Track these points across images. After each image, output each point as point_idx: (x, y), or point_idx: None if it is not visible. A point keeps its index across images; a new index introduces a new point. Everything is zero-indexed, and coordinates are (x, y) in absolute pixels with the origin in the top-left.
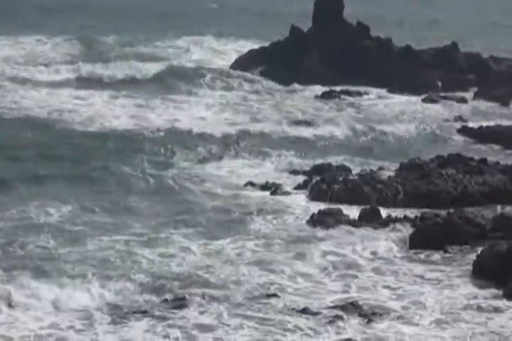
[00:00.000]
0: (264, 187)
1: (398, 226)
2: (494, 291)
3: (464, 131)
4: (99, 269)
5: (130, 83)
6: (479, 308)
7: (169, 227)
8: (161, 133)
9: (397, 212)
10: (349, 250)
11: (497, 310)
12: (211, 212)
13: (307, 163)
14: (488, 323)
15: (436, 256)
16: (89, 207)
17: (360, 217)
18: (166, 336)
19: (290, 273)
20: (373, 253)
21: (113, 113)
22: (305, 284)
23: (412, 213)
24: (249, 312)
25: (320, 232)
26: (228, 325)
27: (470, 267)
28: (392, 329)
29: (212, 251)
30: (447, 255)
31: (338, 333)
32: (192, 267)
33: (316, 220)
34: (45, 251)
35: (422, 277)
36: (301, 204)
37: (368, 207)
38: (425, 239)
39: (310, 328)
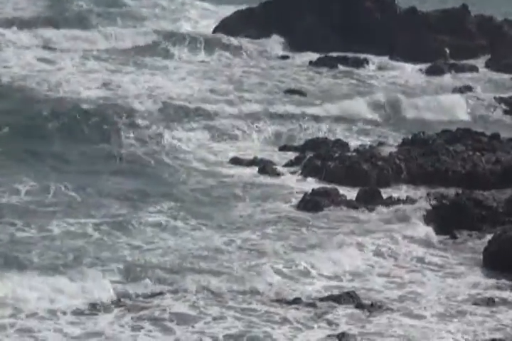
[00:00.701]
0: (252, 163)
1: (400, 207)
2: (506, 282)
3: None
4: (68, 257)
5: (103, 45)
6: (489, 300)
7: (144, 209)
8: (137, 103)
9: (400, 193)
10: (345, 234)
11: (508, 302)
12: (192, 191)
13: (300, 138)
14: (497, 316)
15: (442, 241)
16: (53, 186)
17: (358, 197)
18: (138, 328)
19: (278, 260)
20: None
21: (83, 78)
22: (295, 273)
23: (415, 194)
24: (231, 303)
25: (313, 215)
26: (209, 315)
27: (479, 255)
28: (393, 322)
29: (193, 237)
30: (454, 240)
31: (331, 326)
32: (170, 254)
33: (309, 201)
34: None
35: (423, 263)
36: (292, 183)
37: (367, 187)
38: (431, 220)
39: (300, 321)
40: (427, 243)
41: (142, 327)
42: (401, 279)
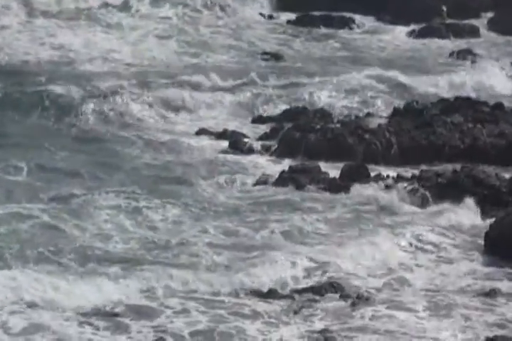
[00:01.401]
0: (221, 136)
1: (390, 186)
2: (509, 270)
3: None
4: (12, 247)
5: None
6: (491, 291)
7: (100, 190)
8: (90, 69)
9: (390, 170)
10: (325, 216)
11: (510, 294)
12: (154, 168)
13: (276, 107)
14: (498, 310)
15: (439, 223)
16: None
17: (342, 175)
18: (86, 324)
19: (247, 246)
20: None
21: (30, 39)
22: (272, 264)
23: (407, 171)
24: (197, 295)
25: (291, 195)
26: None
27: (480, 239)
28: (380, 316)
29: (156, 221)
30: (451, 223)
31: (311, 321)
32: (125, 244)
33: (287, 179)
34: None
35: (415, 248)
36: (266, 159)
37: (353, 163)
38: (424, 202)
39: (274, 315)
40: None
41: (90, 323)
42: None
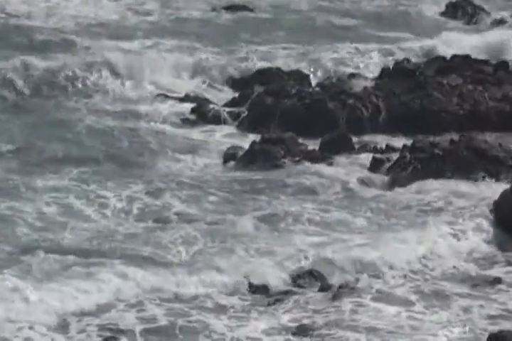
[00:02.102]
0: (183, 101)
1: (376, 158)
2: None
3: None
4: None
5: None
6: (494, 280)
7: (42, 172)
8: (32, 25)
9: (377, 140)
10: (304, 198)
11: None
12: (102, 142)
13: (246, 68)
14: (500, 300)
15: (434, 201)
16: None
17: (322, 147)
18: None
19: (218, 234)
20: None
21: None
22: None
23: (398, 142)
24: (157, 289)
25: (264, 172)
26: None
27: (481, 219)
28: (365, 309)
29: (108, 208)
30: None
31: (285, 315)
32: (81, 233)
33: (258, 152)
34: None
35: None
36: (235, 129)
37: (335, 132)
38: (416, 177)
39: (243, 309)
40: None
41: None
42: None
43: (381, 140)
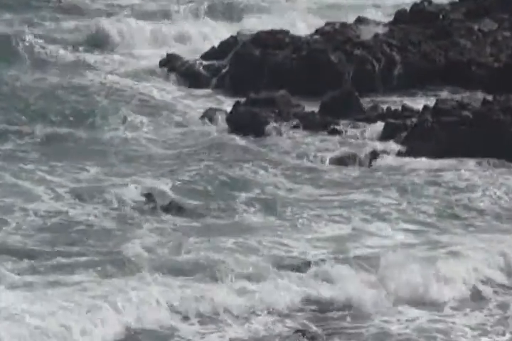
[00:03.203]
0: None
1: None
2: None
3: None
4: None
5: None
6: None
7: None
8: None
9: (391, 100)
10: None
11: None
12: (53, 101)
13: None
14: None
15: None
16: None
17: (323, 109)
18: None
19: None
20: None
21: None
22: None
23: (417, 103)
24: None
25: (251, 141)
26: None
27: None
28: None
29: (56, 193)
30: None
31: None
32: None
33: (243, 116)
34: None
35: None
36: (214, 87)
37: (338, 91)
38: (441, 148)
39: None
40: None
41: None
42: None
43: (396, 100)
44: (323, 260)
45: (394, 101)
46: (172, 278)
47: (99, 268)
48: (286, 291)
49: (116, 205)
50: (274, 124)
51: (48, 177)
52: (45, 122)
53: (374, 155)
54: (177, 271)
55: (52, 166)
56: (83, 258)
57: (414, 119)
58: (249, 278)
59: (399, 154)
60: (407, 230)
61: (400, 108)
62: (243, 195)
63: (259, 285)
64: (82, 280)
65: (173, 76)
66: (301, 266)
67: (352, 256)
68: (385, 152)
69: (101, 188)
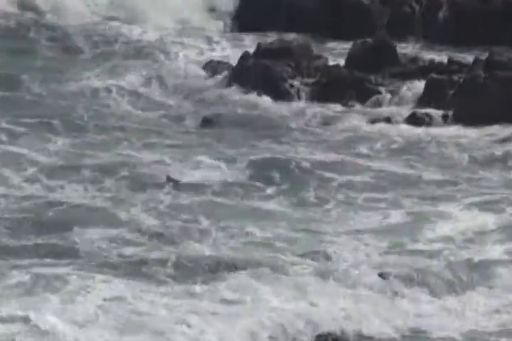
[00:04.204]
0: None
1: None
2: None
3: None
4: None
5: None
6: None
7: None
8: None
9: (435, 51)
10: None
11: None
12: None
13: None
14: None
15: None
16: None
17: (350, 61)
18: None
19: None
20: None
21: None
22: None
23: (467, 55)
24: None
25: (256, 104)
26: None
27: None
28: None
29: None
30: None
31: None
32: None
33: (251, 71)
34: None
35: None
36: (217, 30)
37: (370, 39)
38: (496, 109)
39: None
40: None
41: None
42: None
43: (441, 51)
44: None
45: (438, 52)
46: None
47: None
48: None
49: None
50: (291, 81)
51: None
52: None
53: (414, 120)
54: None
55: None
56: None
57: (462, 75)
58: None
59: (444, 118)
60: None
61: (445, 60)
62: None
63: None
64: None
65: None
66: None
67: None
68: (427, 115)
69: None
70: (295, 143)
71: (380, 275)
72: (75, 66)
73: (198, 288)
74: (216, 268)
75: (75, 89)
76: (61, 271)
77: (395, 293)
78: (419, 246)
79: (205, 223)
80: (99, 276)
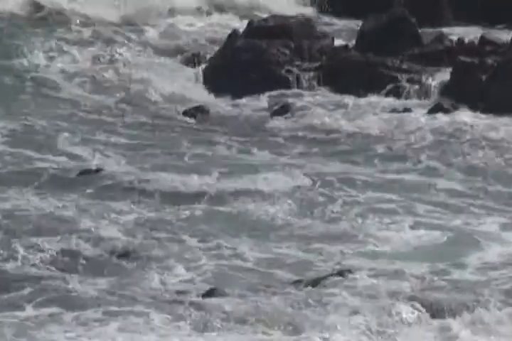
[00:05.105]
0: None
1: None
2: None
3: None
4: None
5: None
6: None
7: None
8: None
9: (463, 30)
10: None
11: None
12: None
13: None
14: None
15: None
16: None
17: (361, 41)
18: None
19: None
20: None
21: None
22: None
23: (502, 32)
24: None
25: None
26: None
27: None
28: None
29: None
30: None
31: None
32: None
33: (242, 52)
34: None
35: None
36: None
37: (386, 14)
38: None
39: None
40: None
41: None
42: None
43: (470, 30)
44: None
45: (467, 31)
46: None
47: None
48: None
49: None
50: (289, 67)
51: None
52: None
53: (438, 112)
54: None
55: None
56: None
57: (497, 57)
58: None
59: (474, 108)
60: None
61: (476, 40)
62: None
63: None
64: None
65: None
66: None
67: None
68: (454, 107)
69: None
70: (284, 147)
71: (417, 309)
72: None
73: None
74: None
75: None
76: None
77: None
78: (466, 274)
79: (183, 238)
80: None
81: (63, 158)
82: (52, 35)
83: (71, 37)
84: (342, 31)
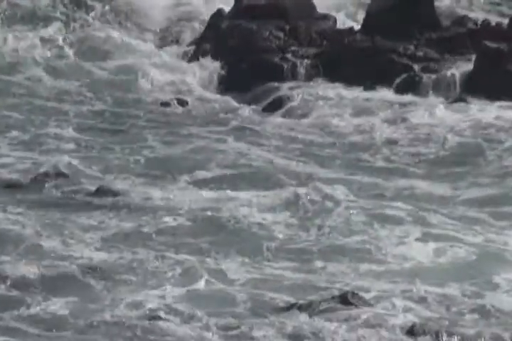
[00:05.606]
0: None
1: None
2: None
3: None
4: None
5: None
6: None
7: None
8: None
9: (486, 10)
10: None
11: None
12: None
13: None
14: None
15: None
16: None
17: (369, 19)
18: None
19: None
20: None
21: None
22: None
23: None
24: None
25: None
26: None
27: None
28: None
29: None
30: None
31: None
32: None
33: (228, 37)
34: None
35: None
36: None
37: None
38: None
39: None
40: None
41: None
42: None
43: (493, 9)
44: None
45: (488, 11)
46: None
47: None
48: None
49: None
50: (284, 53)
51: None
52: None
53: (460, 108)
54: None
55: None
56: None
57: None
58: None
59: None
60: None
61: (505, 22)
62: None
63: None
64: None
65: None
66: None
67: None
68: (479, 101)
69: None
70: (277, 150)
71: None
72: None
73: None
74: None
75: None
76: None
77: None
78: (498, 294)
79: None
80: None
81: (10, 160)
82: None
83: None
84: (347, 10)
